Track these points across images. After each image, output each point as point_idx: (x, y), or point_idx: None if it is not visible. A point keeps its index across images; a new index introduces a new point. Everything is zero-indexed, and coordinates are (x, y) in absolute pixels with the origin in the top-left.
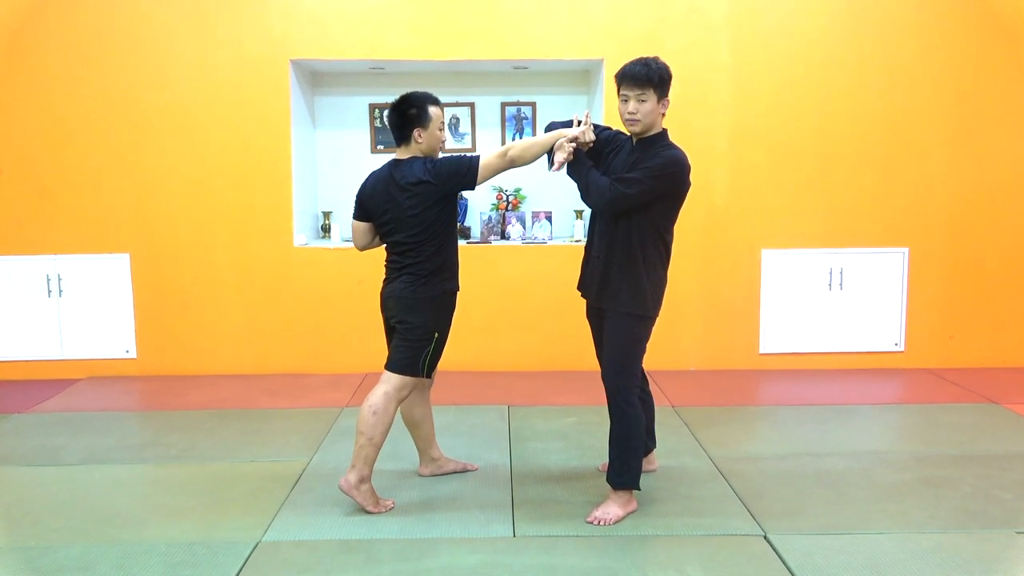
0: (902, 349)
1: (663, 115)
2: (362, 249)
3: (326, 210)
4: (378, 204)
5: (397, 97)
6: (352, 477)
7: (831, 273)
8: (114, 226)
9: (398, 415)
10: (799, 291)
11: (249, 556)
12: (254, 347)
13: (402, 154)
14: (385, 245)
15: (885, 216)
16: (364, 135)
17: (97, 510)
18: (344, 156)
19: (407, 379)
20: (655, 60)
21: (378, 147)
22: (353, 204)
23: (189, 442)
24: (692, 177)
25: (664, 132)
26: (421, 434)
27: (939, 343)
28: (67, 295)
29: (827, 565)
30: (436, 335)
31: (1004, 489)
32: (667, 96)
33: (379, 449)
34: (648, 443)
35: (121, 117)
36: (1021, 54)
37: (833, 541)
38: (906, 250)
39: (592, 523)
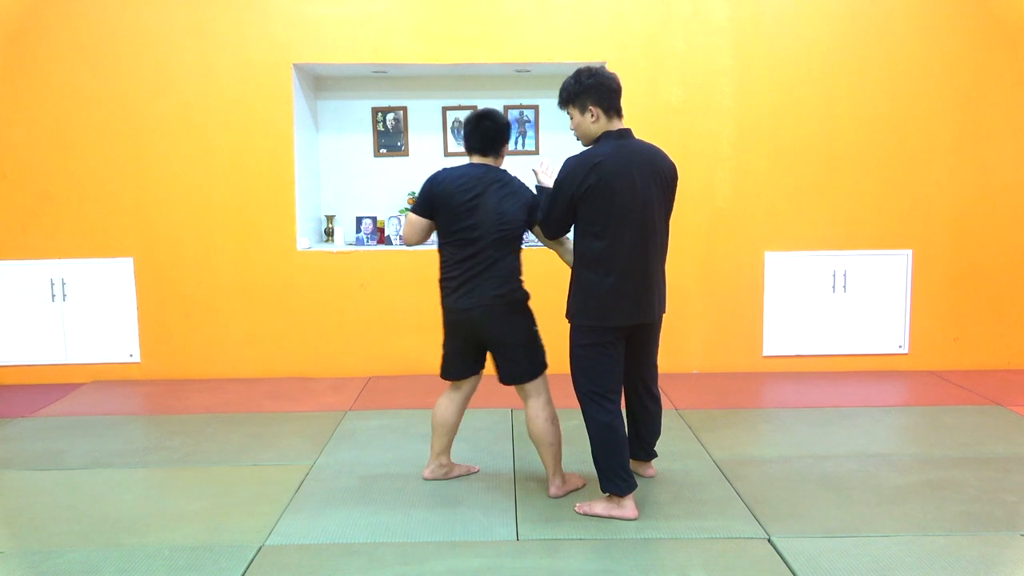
0: (906, 351)
1: (596, 122)
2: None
3: (329, 214)
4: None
5: (481, 109)
6: (558, 483)
7: (835, 275)
8: (117, 230)
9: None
10: (803, 293)
11: (252, 560)
12: (257, 351)
13: (485, 161)
14: (451, 255)
15: (889, 218)
16: (367, 139)
17: (101, 514)
18: (347, 160)
19: (546, 377)
20: (572, 76)
21: (381, 151)
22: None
23: (192, 446)
24: (694, 180)
25: (604, 135)
26: (448, 438)
27: (943, 345)
28: (71, 299)
29: (831, 568)
30: (535, 329)
31: (1008, 491)
32: (590, 105)
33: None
34: (637, 452)
35: (123, 121)
36: (1023, 57)
37: (837, 544)
38: (910, 252)
39: (576, 509)
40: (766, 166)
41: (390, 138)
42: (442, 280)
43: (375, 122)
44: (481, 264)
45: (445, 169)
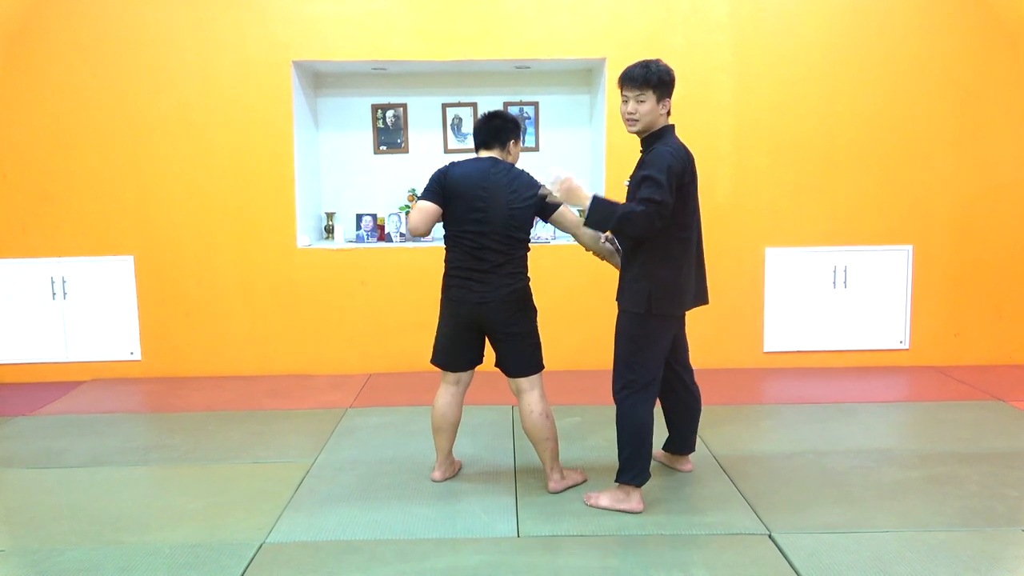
0: (907, 347)
1: (664, 115)
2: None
3: (329, 211)
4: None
5: (490, 112)
6: (557, 478)
7: (835, 271)
8: (118, 229)
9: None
10: (803, 289)
11: (253, 557)
12: (257, 348)
13: (491, 154)
14: (462, 246)
15: (889, 214)
16: (367, 136)
17: (101, 512)
18: (347, 157)
19: (541, 374)
20: (656, 62)
21: (380, 148)
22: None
23: (192, 444)
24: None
25: (667, 128)
26: (453, 435)
27: (944, 341)
28: (71, 298)
29: (832, 563)
30: (536, 325)
31: (1010, 486)
32: (668, 97)
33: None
34: (677, 443)
35: (123, 120)
36: (1023, 57)
37: (838, 539)
38: (910, 247)
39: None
40: (766, 162)
41: (390, 135)
42: (451, 272)
43: (375, 119)
44: (493, 256)
45: (455, 161)
